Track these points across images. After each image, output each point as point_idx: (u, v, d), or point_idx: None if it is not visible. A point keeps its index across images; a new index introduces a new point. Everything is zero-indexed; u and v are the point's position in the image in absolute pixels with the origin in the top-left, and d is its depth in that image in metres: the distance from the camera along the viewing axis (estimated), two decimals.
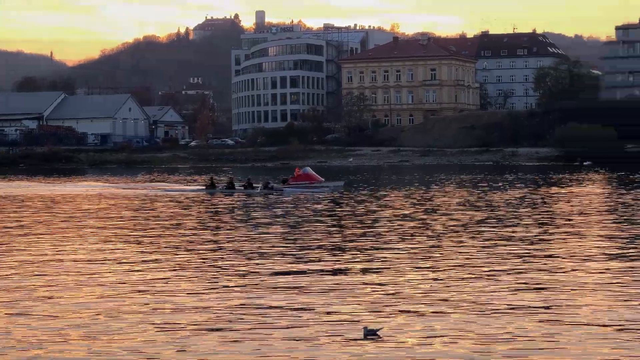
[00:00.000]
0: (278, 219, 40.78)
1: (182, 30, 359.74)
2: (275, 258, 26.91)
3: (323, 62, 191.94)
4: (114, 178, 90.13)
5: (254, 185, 60.79)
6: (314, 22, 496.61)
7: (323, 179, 63.96)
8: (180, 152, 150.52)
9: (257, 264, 25.65)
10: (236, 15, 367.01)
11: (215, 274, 23.86)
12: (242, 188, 60.25)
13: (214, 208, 48.10)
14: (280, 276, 23.27)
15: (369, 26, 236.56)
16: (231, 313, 18.47)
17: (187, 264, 25.93)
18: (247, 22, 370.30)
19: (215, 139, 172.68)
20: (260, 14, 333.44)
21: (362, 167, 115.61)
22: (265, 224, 38.42)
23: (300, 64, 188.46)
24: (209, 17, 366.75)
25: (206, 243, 31.28)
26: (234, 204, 50.85)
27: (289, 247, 29.84)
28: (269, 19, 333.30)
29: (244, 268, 24.82)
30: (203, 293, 20.89)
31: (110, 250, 29.43)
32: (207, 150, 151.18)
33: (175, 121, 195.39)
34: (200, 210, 47.10)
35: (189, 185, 68.22)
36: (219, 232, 35.31)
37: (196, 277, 23.38)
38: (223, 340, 16.27)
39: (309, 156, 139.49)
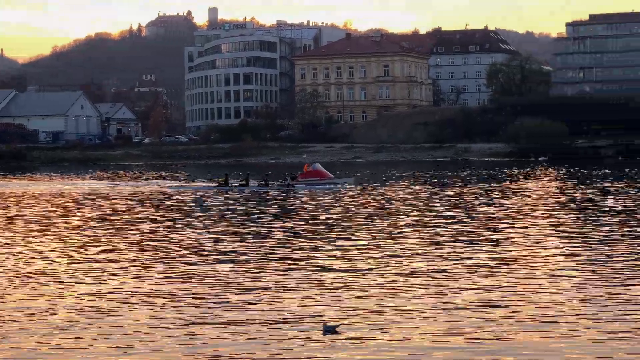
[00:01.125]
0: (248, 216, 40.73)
1: (135, 27, 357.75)
2: (235, 256, 26.93)
3: (276, 59, 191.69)
4: (109, 174, 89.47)
5: (270, 182, 60.10)
6: (267, 19, 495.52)
7: (333, 175, 63.04)
8: (133, 150, 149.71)
9: (219, 260, 25.65)
10: (189, 12, 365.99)
11: (177, 268, 23.82)
12: (257, 185, 59.82)
13: (219, 206, 47.49)
14: (238, 274, 23.29)
15: (322, 23, 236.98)
16: (195, 310, 18.48)
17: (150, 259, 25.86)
18: (200, 19, 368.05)
19: (169, 136, 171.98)
20: (213, 11, 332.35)
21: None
22: (237, 219, 38.39)
23: (253, 60, 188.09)
24: (161, 14, 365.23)
25: (164, 239, 31.20)
26: (244, 201, 50.31)
27: (246, 245, 29.84)
28: (222, 15, 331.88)
29: (199, 263, 24.81)
30: (159, 289, 20.85)
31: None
32: (161, 148, 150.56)
33: (128, 118, 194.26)
34: (210, 207, 46.60)
35: (204, 183, 66.80)
36: (184, 228, 35.23)
37: (148, 268, 23.33)
38: (181, 338, 16.27)
39: (262, 153, 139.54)
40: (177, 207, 46.59)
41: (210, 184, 62.49)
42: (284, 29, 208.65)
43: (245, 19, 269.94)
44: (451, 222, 35.92)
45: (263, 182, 60.11)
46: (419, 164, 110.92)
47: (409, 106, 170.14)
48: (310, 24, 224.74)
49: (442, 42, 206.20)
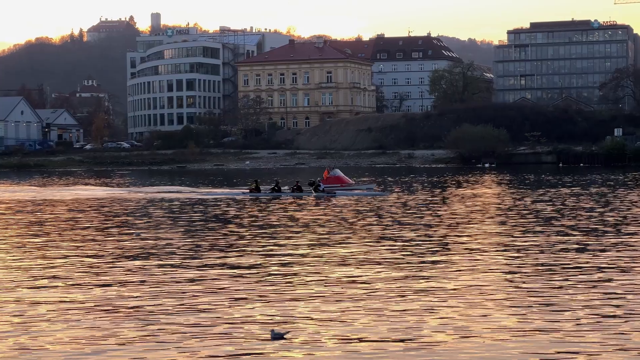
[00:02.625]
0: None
1: (76, 32, 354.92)
2: (184, 260, 26.78)
3: (219, 65, 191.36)
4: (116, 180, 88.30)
5: (303, 188, 58.72)
6: (210, 25, 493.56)
7: (353, 182, 61.80)
8: (74, 156, 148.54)
9: (180, 265, 25.49)
10: (131, 17, 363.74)
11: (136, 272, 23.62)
12: (290, 191, 58.58)
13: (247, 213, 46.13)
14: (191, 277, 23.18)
15: (265, 29, 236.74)
16: (149, 313, 18.34)
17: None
18: (143, 24, 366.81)
19: (111, 142, 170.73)
20: (155, 17, 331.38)
21: (258, 170, 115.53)
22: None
23: (196, 66, 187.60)
24: (103, 19, 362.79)
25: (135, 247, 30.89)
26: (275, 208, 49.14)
27: (194, 248, 29.69)
28: (165, 21, 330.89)
29: (156, 268, 24.64)
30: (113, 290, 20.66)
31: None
32: (103, 154, 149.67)
33: (70, 124, 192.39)
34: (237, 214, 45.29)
35: (234, 189, 65.45)
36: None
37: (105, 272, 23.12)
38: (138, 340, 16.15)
39: (205, 159, 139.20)
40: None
41: (243, 190, 61.10)
42: (227, 35, 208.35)
43: (188, 24, 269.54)
44: (402, 228, 36.04)
45: (295, 188, 58.73)
46: (366, 170, 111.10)
47: (352, 112, 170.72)
48: (254, 30, 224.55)
49: (385, 48, 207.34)
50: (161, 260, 26.99)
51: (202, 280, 23.05)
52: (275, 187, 59.16)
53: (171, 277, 23.54)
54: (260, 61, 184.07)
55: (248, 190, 59.25)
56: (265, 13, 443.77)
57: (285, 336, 16.28)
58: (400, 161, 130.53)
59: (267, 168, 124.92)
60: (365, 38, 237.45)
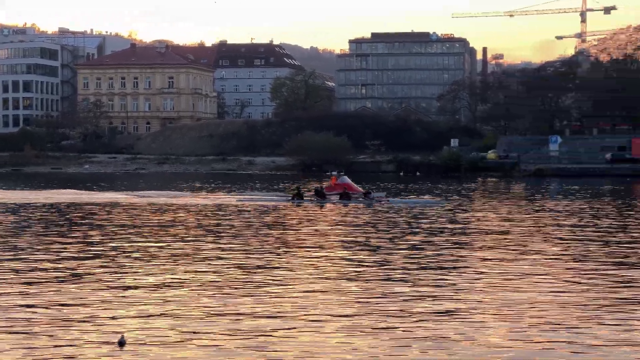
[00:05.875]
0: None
1: None
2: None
3: (58, 67, 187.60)
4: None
5: (350, 195, 56.43)
6: (49, 26, 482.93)
7: (362, 190, 59.49)
8: None
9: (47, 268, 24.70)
10: None
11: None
12: (338, 197, 56.05)
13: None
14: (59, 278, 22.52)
15: (106, 32, 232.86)
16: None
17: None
18: None
19: None
20: None
21: (97, 175, 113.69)
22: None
23: (33, 68, 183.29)
24: None
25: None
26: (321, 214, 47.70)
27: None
28: (1, 20, 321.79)
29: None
30: None
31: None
32: None
33: None
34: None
35: (277, 195, 62.36)
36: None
37: None
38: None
39: (44, 162, 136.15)
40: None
41: (286, 195, 59.45)
42: (66, 37, 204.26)
43: (25, 24, 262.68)
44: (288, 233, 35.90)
45: (342, 194, 56.32)
46: (207, 176, 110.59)
47: (193, 118, 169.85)
48: (94, 33, 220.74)
49: (227, 55, 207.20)
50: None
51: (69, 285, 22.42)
52: (319, 193, 57.16)
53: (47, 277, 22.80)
54: (101, 64, 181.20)
55: (291, 197, 57.34)
56: (106, 16, 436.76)
57: (126, 342, 16.09)
58: (240, 168, 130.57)
59: (106, 172, 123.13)
60: (208, 44, 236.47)
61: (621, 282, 23.30)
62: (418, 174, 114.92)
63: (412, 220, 43.30)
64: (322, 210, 50.39)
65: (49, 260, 27.17)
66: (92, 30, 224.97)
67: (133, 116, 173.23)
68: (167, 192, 65.82)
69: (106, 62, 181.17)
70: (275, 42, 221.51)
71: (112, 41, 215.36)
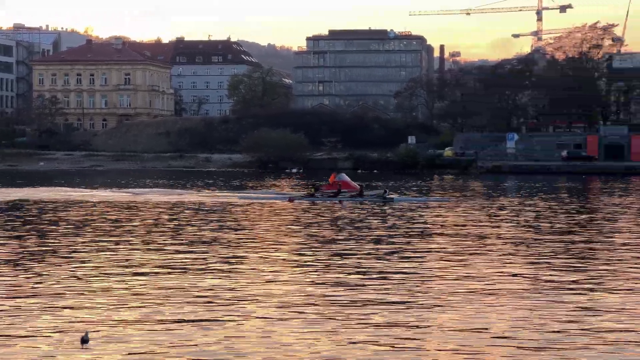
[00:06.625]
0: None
1: None
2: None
3: (13, 63, 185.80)
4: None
5: (365, 193, 56.65)
6: (3, 22, 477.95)
7: (359, 187, 59.38)
8: None
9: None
10: None
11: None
12: (349, 195, 56.08)
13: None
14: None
15: (62, 28, 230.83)
16: None
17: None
18: None
19: None
20: None
21: (53, 172, 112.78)
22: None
23: None
24: None
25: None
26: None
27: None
28: None
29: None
30: None
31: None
32: None
33: None
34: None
35: (292, 192, 61.70)
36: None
37: None
38: None
39: None
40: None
41: (302, 194, 59.24)
42: (21, 33, 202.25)
43: None
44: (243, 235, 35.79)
45: (356, 193, 56.59)
46: (164, 173, 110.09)
47: (150, 115, 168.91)
48: (50, 29, 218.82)
49: (185, 52, 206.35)
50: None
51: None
52: (336, 191, 57.13)
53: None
54: (57, 60, 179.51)
55: (307, 194, 57.47)
56: (61, 12, 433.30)
57: (89, 340, 16.00)
58: (198, 165, 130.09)
59: (62, 169, 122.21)
60: (165, 41, 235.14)
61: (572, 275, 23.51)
62: (375, 171, 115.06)
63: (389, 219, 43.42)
64: (313, 207, 50.69)
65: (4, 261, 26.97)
66: (47, 26, 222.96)
67: (89, 113, 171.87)
68: (169, 190, 65.90)
69: (62, 59, 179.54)
70: (233, 39, 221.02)
71: (68, 37, 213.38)
